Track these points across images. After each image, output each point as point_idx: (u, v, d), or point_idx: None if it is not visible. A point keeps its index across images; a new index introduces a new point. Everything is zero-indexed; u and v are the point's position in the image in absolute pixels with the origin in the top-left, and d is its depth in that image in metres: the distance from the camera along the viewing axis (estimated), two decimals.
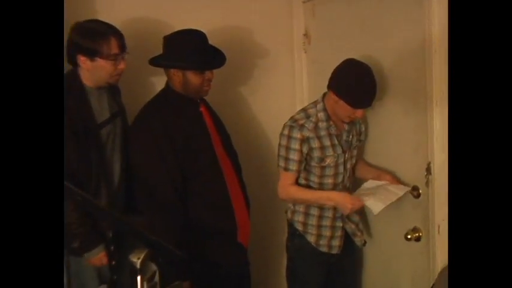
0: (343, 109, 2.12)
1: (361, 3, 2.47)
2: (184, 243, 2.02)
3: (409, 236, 2.23)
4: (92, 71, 2.07)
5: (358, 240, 2.31)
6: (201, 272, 2.14)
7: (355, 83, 2.09)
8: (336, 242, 2.25)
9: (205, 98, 2.29)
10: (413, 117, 2.24)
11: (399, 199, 2.25)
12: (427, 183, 2.16)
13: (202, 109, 2.24)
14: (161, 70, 2.23)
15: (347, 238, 2.30)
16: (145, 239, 1.73)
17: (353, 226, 2.29)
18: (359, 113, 2.13)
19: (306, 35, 2.82)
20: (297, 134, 2.13)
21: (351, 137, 2.24)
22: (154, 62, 2.19)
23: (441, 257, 2.11)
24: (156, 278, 1.74)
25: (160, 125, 2.10)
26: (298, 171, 2.19)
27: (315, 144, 2.14)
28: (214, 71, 2.20)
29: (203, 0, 2.56)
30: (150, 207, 2.09)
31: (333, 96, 2.14)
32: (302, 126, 2.14)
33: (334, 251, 2.26)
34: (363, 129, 2.39)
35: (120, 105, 2.24)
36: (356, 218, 2.33)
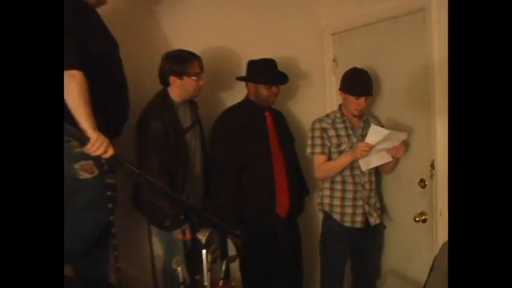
0: (349, 102, 2.65)
1: (377, 35, 2.89)
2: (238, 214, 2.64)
3: (417, 219, 2.61)
4: (180, 88, 2.50)
5: (372, 220, 2.69)
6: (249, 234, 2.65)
7: (352, 77, 2.66)
8: (358, 218, 2.66)
9: (273, 106, 2.86)
10: (420, 124, 2.62)
11: (410, 188, 2.67)
12: (431, 176, 2.54)
13: (267, 114, 2.82)
14: (228, 88, 2.85)
15: (368, 221, 2.69)
16: (209, 221, 2.17)
17: (369, 207, 2.68)
18: (361, 102, 2.61)
19: (334, 60, 3.27)
20: (317, 125, 2.71)
21: (365, 132, 2.63)
22: (240, 79, 2.80)
23: (442, 234, 2.46)
24: (217, 251, 2.17)
25: (230, 123, 2.71)
26: (323, 153, 2.67)
27: (332, 133, 2.68)
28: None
29: (258, 36, 3.07)
30: (216, 179, 2.68)
31: (342, 95, 2.69)
32: (321, 121, 2.72)
33: (357, 225, 2.67)
34: None
35: (198, 116, 2.70)
36: (372, 200, 2.71)
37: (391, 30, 2.79)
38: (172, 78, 2.50)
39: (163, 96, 2.52)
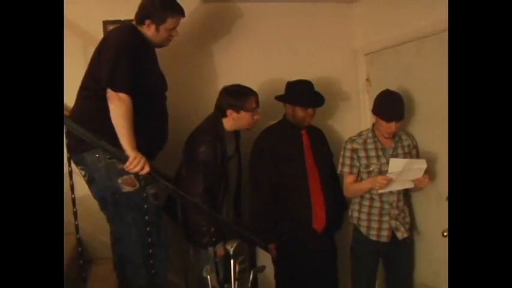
0: (380, 124, 2.70)
1: (406, 55, 2.99)
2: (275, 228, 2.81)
3: (445, 234, 2.53)
4: (236, 120, 2.66)
5: (399, 235, 2.75)
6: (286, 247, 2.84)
7: (384, 103, 2.69)
8: (384, 233, 2.75)
9: (312, 124, 3.00)
10: (445, 140, 2.61)
11: (438, 204, 2.70)
12: None
13: (303, 132, 2.99)
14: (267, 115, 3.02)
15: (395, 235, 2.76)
16: (239, 234, 2.37)
17: (397, 222, 2.76)
18: (392, 126, 2.65)
19: (367, 80, 3.40)
20: (348, 146, 2.81)
21: (396, 152, 2.74)
22: (278, 98, 2.96)
23: None
24: (246, 262, 2.35)
25: (267, 142, 2.92)
26: (352, 173, 2.78)
27: (362, 153, 2.77)
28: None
29: (297, 59, 3.32)
30: (255, 195, 2.89)
31: (374, 118, 2.76)
32: (353, 141, 2.81)
33: (383, 240, 2.76)
34: (413, 150, 2.81)
35: (239, 143, 2.88)
36: (400, 216, 2.78)
37: (417, 50, 2.89)
38: (229, 111, 2.66)
39: (217, 125, 2.68)
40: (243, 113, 2.67)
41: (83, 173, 2.31)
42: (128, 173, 2.18)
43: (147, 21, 2.34)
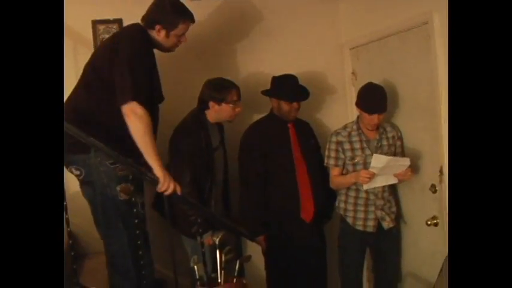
0: (364, 118, 2.76)
1: (388, 48, 3.05)
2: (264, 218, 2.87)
3: (429, 223, 2.70)
4: (217, 112, 2.75)
5: (385, 225, 2.82)
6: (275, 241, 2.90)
7: (367, 96, 2.75)
8: (370, 223, 2.81)
9: (299, 117, 3.06)
10: (429, 131, 2.72)
11: (422, 193, 2.76)
12: (440, 181, 2.62)
13: (290, 126, 3.04)
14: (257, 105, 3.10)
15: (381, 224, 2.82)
16: (225, 224, 2.42)
17: (383, 212, 2.82)
18: (374, 118, 2.70)
19: (353, 73, 3.45)
20: (333, 138, 2.87)
21: (380, 144, 2.81)
22: (263, 92, 3.01)
23: None
24: (232, 252, 2.35)
25: (255, 135, 2.99)
26: (337, 165, 2.84)
27: (347, 146, 2.82)
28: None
29: (284, 54, 3.37)
30: (243, 186, 2.96)
31: (358, 111, 2.81)
32: (338, 134, 2.86)
33: (369, 229, 2.82)
34: (397, 142, 2.86)
35: (223, 136, 2.96)
36: (386, 206, 2.84)
37: (400, 44, 2.94)
38: (211, 103, 2.76)
39: (200, 116, 2.79)
40: (224, 105, 2.75)
41: (78, 172, 2.25)
42: (125, 181, 2.16)
43: (157, 27, 2.31)
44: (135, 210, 2.19)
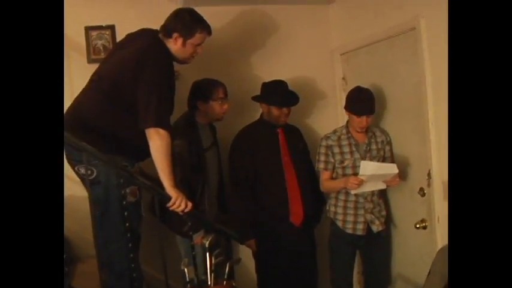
0: (353, 120, 2.81)
1: (378, 54, 3.10)
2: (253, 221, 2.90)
3: (417, 226, 2.73)
4: (206, 111, 2.81)
5: (375, 228, 2.85)
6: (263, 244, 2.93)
7: (354, 97, 2.81)
8: (359, 226, 2.84)
9: (289, 122, 3.11)
10: (417, 135, 2.76)
11: (411, 197, 2.81)
12: (428, 185, 2.67)
13: (279, 131, 3.08)
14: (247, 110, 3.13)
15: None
16: (214, 227, 2.46)
17: (372, 216, 2.85)
18: (363, 120, 2.75)
19: (343, 78, 3.50)
20: (323, 143, 2.91)
21: (369, 148, 2.84)
22: (254, 98, 3.06)
23: (440, 240, 2.58)
24: (222, 255, 2.40)
25: (244, 140, 3.03)
26: (327, 169, 2.88)
27: (336, 150, 2.87)
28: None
29: (276, 60, 3.41)
30: (233, 189, 3.00)
31: (347, 114, 2.86)
32: (328, 138, 2.91)
33: (359, 232, 2.85)
34: (386, 146, 2.90)
35: (216, 138, 3.00)
36: (375, 209, 2.87)
37: (389, 49, 3.00)
38: (199, 103, 2.83)
39: (190, 117, 2.85)
40: (211, 103, 2.81)
41: (89, 172, 2.20)
42: (134, 183, 2.24)
43: (175, 35, 2.34)
44: (139, 212, 2.27)
